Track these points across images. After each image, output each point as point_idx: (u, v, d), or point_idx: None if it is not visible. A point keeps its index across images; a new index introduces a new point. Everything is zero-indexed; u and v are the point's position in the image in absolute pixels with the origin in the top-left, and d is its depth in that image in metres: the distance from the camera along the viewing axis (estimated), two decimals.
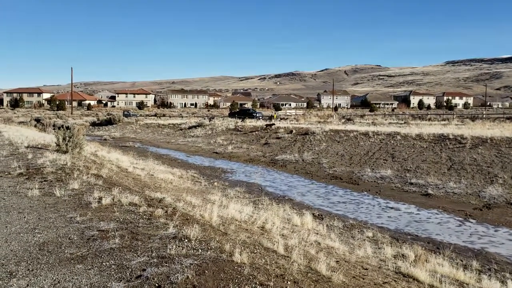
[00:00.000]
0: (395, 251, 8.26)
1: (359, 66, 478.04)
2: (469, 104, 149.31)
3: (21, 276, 4.31)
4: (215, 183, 16.75)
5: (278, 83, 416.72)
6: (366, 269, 6.22)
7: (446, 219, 12.24)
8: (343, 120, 46.88)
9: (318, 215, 12.03)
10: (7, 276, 4.32)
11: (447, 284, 5.85)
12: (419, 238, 10.30)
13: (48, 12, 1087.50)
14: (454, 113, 62.96)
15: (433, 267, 7.08)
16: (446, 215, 12.68)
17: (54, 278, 4.26)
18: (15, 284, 4.12)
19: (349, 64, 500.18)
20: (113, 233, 5.60)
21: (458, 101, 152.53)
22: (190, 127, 43.86)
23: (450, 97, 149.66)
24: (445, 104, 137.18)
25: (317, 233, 8.87)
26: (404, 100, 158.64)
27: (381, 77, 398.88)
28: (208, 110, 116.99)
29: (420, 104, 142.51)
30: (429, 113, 72.59)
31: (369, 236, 9.84)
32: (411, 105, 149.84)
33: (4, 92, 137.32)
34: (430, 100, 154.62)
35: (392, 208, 13.66)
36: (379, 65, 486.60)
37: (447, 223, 11.86)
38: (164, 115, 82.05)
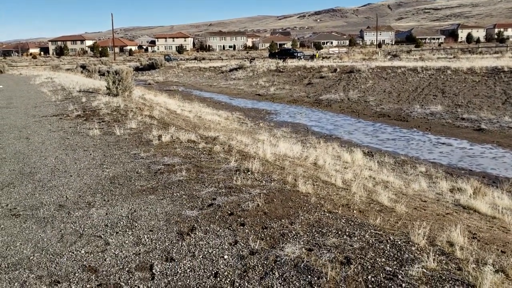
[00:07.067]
0: (451, 185, 8.16)
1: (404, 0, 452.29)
2: None
3: (99, 206, 4.59)
4: (261, 124, 16.84)
5: (319, 20, 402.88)
6: (425, 201, 6.22)
7: (502, 154, 11.90)
8: (388, 57, 45.22)
9: (368, 152, 11.96)
10: (86, 206, 4.61)
11: (509, 216, 5.77)
12: (474, 173, 10.11)
13: None
14: (508, 45, 59.26)
15: (492, 200, 6.97)
16: (501, 150, 12.32)
17: (129, 207, 4.51)
18: (95, 213, 4.40)
19: None
20: (178, 166, 5.81)
21: (511, 33, 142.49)
22: (231, 70, 43.62)
23: (502, 29, 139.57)
24: (496, 36, 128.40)
25: (370, 169, 8.86)
26: (451, 34, 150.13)
27: (426, 10, 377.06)
28: (247, 52, 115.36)
29: (469, 37, 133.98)
30: (479, 46, 68.60)
31: (422, 171, 9.74)
32: (459, 39, 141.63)
33: (49, 41, 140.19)
34: (479, 33, 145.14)
35: (443, 143, 13.39)
36: None
37: (502, 157, 11.54)
38: (204, 59, 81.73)
